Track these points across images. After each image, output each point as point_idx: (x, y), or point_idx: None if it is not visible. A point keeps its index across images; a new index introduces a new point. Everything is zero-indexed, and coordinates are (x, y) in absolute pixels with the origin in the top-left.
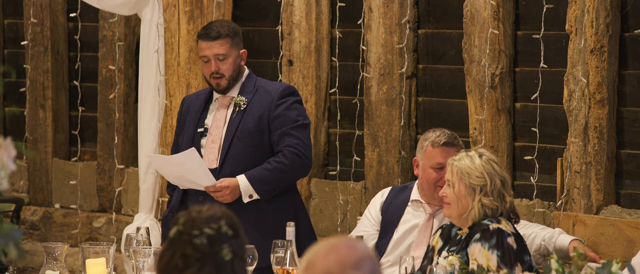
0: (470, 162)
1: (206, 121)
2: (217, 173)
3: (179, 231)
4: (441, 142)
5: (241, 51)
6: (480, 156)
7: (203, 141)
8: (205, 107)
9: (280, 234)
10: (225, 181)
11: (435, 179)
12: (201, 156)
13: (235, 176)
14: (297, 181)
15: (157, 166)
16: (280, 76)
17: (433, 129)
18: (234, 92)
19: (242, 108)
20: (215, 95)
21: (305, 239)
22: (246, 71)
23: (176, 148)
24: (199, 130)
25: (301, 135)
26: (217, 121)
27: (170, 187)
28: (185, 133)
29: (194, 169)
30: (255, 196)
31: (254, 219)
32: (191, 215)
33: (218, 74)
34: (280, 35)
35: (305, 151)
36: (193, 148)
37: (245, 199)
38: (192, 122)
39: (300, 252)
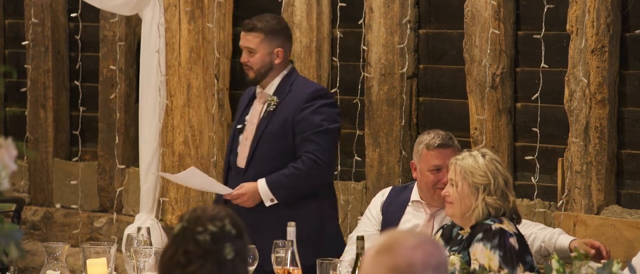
0: (473, 161)
1: (246, 118)
2: (242, 173)
3: (183, 228)
4: (436, 145)
5: (276, 49)
6: (483, 155)
7: (240, 138)
8: (249, 103)
9: (306, 238)
10: (243, 188)
11: (434, 182)
12: (236, 153)
13: (259, 177)
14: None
15: (175, 180)
16: None
17: (427, 132)
18: (271, 89)
19: (271, 109)
20: (258, 89)
21: (331, 243)
22: (285, 70)
23: (231, 140)
24: (238, 126)
25: (321, 140)
26: (253, 118)
27: None
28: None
29: (205, 182)
30: (276, 201)
31: (277, 223)
32: (196, 213)
33: (247, 65)
34: None
35: (324, 157)
36: (193, 167)
37: (267, 203)
38: (237, 116)
39: (327, 253)
